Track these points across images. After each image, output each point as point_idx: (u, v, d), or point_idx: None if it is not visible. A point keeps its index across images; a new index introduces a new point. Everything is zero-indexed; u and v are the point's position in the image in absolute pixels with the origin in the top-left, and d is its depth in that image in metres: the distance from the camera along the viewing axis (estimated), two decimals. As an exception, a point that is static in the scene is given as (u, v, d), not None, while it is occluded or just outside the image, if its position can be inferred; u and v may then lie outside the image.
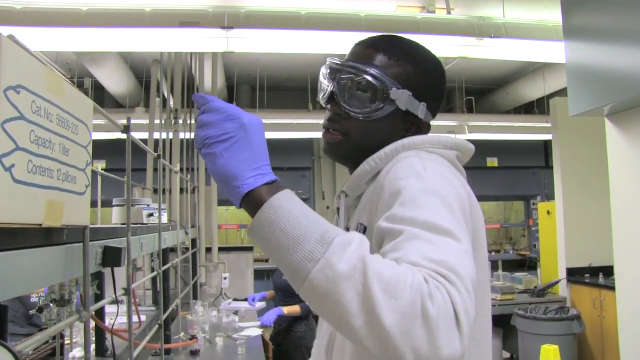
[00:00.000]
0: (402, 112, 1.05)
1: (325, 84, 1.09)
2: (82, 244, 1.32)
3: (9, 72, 0.92)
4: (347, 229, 1.05)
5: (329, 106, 1.08)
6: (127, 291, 1.81)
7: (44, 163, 1.05)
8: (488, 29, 3.61)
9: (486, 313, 0.96)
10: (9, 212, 0.93)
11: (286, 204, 0.75)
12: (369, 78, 1.03)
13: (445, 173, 0.91)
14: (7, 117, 0.91)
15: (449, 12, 4.24)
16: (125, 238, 1.77)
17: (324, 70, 1.10)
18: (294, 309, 3.92)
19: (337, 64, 1.07)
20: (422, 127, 1.10)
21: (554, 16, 3.70)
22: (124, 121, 1.86)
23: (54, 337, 2.04)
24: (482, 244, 0.92)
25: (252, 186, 0.78)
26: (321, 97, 1.10)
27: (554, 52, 3.87)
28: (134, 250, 2.00)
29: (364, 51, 1.07)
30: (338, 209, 1.15)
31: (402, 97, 1.04)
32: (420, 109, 1.06)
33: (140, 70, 6.76)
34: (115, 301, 1.64)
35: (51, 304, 1.61)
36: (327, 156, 1.12)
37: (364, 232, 0.95)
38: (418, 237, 0.74)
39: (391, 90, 1.03)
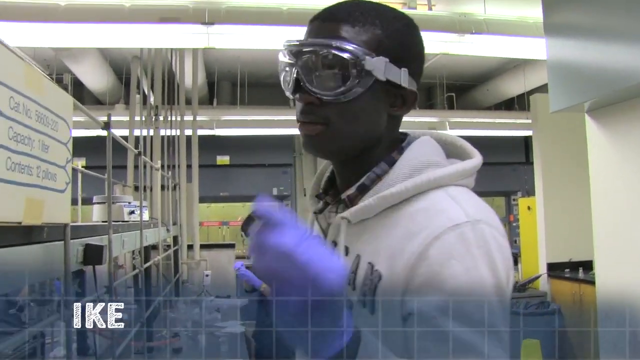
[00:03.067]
0: (383, 84, 0.91)
1: (288, 73, 0.93)
2: (62, 242, 1.30)
3: (-14, 67, 0.90)
4: (346, 254, 0.95)
5: (297, 96, 0.91)
6: (109, 289, 1.79)
7: (23, 160, 1.03)
8: (469, 25, 3.62)
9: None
10: (-12, 210, 0.91)
11: None
12: (336, 52, 0.88)
13: (496, 237, 0.87)
14: (-16, 113, 0.89)
15: (430, 9, 4.24)
16: (107, 236, 1.75)
17: (282, 58, 0.94)
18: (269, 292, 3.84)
19: (295, 45, 0.92)
20: (408, 98, 0.95)
21: (534, 12, 3.72)
22: (104, 118, 1.84)
23: (34, 337, 2.01)
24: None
25: (330, 355, 0.71)
26: (286, 88, 0.94)
27: (534, 48, 3.89)
28: (116, 248, 1.97)
29: (323, 26, 0.92)
30: (315, 222, 1.05)
31: (379, 66, 0.89)
32: (402, 77, 0.92)
33: (120, 66, 6.69)
34: (97, 299, 1.62)
35: (32, 303, 1.58)
36: (308, 152, 0.97)
37: (378, 280, 0.87)
38: (470, 349, 0.77)
39: (365, 61, 0.88)
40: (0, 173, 0.96)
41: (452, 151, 1.02)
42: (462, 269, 0.80)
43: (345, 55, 0.88)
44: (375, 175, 0.95)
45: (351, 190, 0.96)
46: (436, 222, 0.84)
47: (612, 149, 3.02)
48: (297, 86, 0.91)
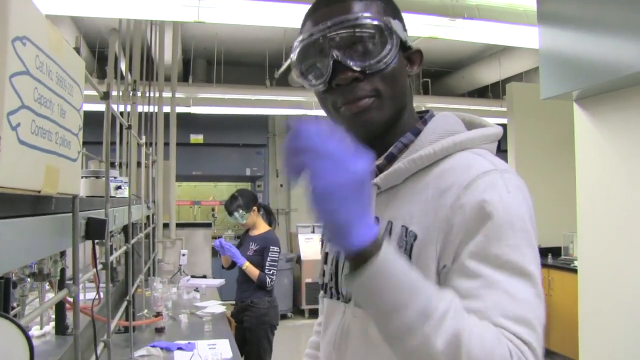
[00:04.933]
0: (399, 50, 0.97)
1: (315, 61, 0.96)
2: (70, 214, 1.24)
3: (17, 21, 0.84)
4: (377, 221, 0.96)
5: (337, 79, 0.93)
6: (106, 265, 1.73)
7: (44, 124, 0.97)
8: (462, 10, 3.60)
9: None
10: (13, 176, 0.85)
11: (391, 266, 0.73)
12: (367, 22, 0.92)
13: (523, 189, 0.88)
14: (14, 70, 0.83)
15: (420, -9, 4.22)
16: (102, 210, 1.69)
17: (306, 50, 0.96)
18: (254, 271, 3.84)
19: (324, 29, 0.92)
20: (415, 59, 1.02)
21: (523, 0, 3.74)
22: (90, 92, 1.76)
23: (14, 315, 1.93)
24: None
25: (361, 243, 0.72)
26: (318, 82, 0.96)
27: (523, 36, 3.91)
28: (110, 224, 1.91)
29: (334, 8, 0.94)
30: None
31: (399, 27, 0.96)
32: (407, 38, 1.00)
33: (93, 40, 6.48)
34: (97, 274, 1.56)
35: (28, 279, 1.51)
36: (357, 130, 0.95)
37: (414, 240, 0.88)
38: (498, 287, 0.78)
39: (391, 24, 0.94)
40: (25, 137, 0.90)
41: (472, 128, 1.05)
42: (498, 201, 0.83)
43: (376, 22, 0.93)
44: (402, 144, 1.00)
45: (380, 160, 1.01)
46: (465, 175, 0.88)
47: (599, 136, 3.08)
48: (335, 69, 0.93)
